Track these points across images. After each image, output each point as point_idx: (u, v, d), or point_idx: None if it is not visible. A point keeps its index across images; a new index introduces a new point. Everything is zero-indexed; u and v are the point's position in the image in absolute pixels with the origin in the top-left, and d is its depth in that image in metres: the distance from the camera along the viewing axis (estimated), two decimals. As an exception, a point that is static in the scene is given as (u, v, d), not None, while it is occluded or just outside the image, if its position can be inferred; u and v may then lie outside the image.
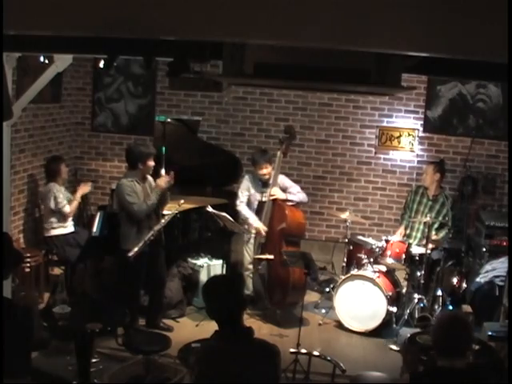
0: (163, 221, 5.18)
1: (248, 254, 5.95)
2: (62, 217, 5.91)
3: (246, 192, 5.89)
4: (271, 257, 5.58)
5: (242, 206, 5.87)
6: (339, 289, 5.64)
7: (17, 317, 3.14)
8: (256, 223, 5.74)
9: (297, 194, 5.81)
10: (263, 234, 5.68)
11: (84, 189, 6.22)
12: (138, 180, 5.18)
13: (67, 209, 5.92)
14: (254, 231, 5.79)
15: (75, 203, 6.05)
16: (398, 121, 7.27)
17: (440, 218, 5.99)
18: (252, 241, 5.87)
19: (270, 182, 5.74)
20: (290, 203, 5.73)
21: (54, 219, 5.90)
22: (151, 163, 5.20)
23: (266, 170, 5.74)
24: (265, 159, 5.74)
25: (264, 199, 5.77)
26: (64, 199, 5.94)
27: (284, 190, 5.78)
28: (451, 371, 2.68)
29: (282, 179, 5.85)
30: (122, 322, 5.18)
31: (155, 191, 5.16)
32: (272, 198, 5.66)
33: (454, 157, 7.13)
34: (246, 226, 5.85)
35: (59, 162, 6.18)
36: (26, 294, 5.49)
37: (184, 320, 5.70)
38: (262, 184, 5.83)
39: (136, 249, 4.98)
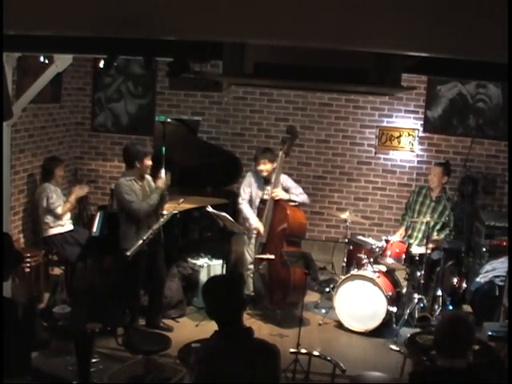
0: (162, 220, 5.19)
1: (249, 253, 5.96)
2: (56, 216, 5.92)
3: (247, 189, 5.90)
4: (272, 257, 5.58)
5: (243, 205, 5.88)
6: (339, 289, 5.64)
7: (18, 317, 3.15)
8: (256, 223, 5.75)
9: (299, 195, 5.82)
10: (261, 234, 5.69)
11: (79, 192, 6.20)
12: (135, 179, 5.18)
13: (59, 210, 5.91)
14: (255, 231, 5.80)
15: (68, 205, 6.04)
16: (397, 121, 7.27)
17: (442, 219, 6.00)
18: (253, 241, 5.88)
19: (272, 180, 5.75)
20: (293, 203, 5.73)
21: (49, 219, 5.91)
22: (148, 162, 5.20)
23: (263, 167, 5.75)
24: (264, 156, 5.76)
25: (265, 197, 5.79)
26: (58, 200, 5.94)
27: (286, 190, 5.79)
28: (451, 371, 2.68)
29: (285, 179, 5.85)
30: (121, 322, 5.18)
31: (156, 192, 5.17)
32: (275, 198, 5.65)
33: (454, 157, 7.13)
34: (248, 225, 5.85)
35: (56, 163, 6.18)
36: (24, 293, 5.50)
37: (184, 320, 5.70)
38: (264, 181, 5.85)
39: (134, 248, 4.98)
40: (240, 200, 5.93)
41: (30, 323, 3.28)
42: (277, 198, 5.65)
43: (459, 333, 2.73)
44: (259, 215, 5.80)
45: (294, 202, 5.73)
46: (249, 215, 5.82)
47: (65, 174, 6.58)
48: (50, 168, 6.09)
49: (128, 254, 4.96)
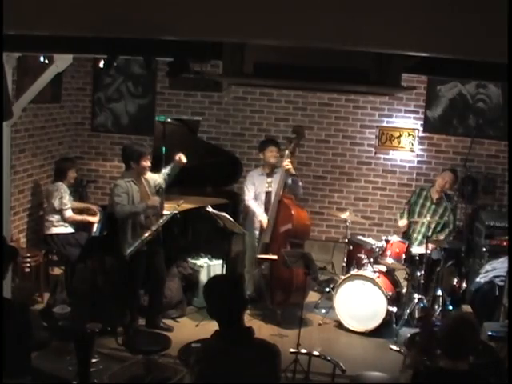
0: (161, 221, 5.18)
1: (251, 253, 5.97)
2: (62, 218, 5.92)
3: (251, 187, 5.94)
4: (275, 257, 5.58)
5: (250, 202, 5.93)
6: (339, 289, 5.64)
7: (15, 316, 3.15)
8: (261, 215, 5.79)
9: (300, 183, 5.96)
10: (264, 226, 5.73)
11: (92, 218, 6.20)
12: (134, 180, 5.17)
13: (69, 213, 5.94)
14: (258, 224, 5.83)
15: (79, 218, 6.10)
16: (398, 121, 7.26)
17: (442, 221, 6.00)
18: (256, 243, 5.89)
19: (275, 173, 5.87)
20: (297, 204, 5.81)
21: (55, 218, 5.92)
22: (145, 163, 5.18)
23: (271, 154, 5.85)
24: (272, 144, 5.91)
25: (269, 189, 5.86)
26: (69, 201, 5.96)
27: (290, 186, 5.85)
28: (454, 372, 2.67)
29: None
30: (122, 322, 5.18)
31: (146, 203, 5.14)
32: (285, 167, 5.68)
33: (454, 157, 7.12)
34: (257, 216, 5.87)
35: (70, 165, 6.24)
36: (23, 288, 5.50)
37: (184, 320, 5.70)
38: (267, 175, 5.92)
39: (131, 248, 4.98)
40: (246, 198, 5.97)
41: (26, 325, 3.28)
42: (287, 168, 5.68)
43: (464, 335, 2.72)
44: (266, 209, 5.86)
45: (296, 176, 5.85)
46: (255, 209, 5.87)
47: (77, 175, 6.57)
48: (64, 168, 6.12)
49: (126, 254, 4.96)
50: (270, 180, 5.90)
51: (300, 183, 5.96)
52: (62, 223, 5.94)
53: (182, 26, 2.78)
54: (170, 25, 2.78)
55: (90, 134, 7.70)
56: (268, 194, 5.90)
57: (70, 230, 6.01)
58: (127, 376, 4.35)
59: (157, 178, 5.44)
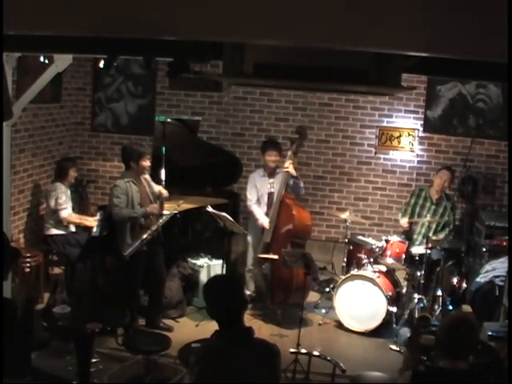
0: (161, 221, 5.18)
1: (252, 253, 5.97)
2: (57, 219, 5.92)
3: (253, 190, 5.94)
4: (276, 257, 5.58)
5: (253, 207, 5.93)
6: (339, 289, 5.64)
7: (17, 317, 3.15)
8: (263, 220, 5.79)
9: (301, 184, 5.95)
10: (266, 228, 5.74)
11: (90, 222, 6.20)
12: (134, 180, 5.17)
13: (65, 213, 5.93)
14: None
15: (77, 221, 6.10)
16: (398, 121, 7.26)
17: (442, 221, 6.00)
18: (259, 240, 5.90)
19: (277, 173, 5.87)
20: (299, 204, 5.82)
21: (54, 218, 5.91)
22: (145, 163, 5.18)
23: (271, 158, 5.85)
24: (274, 147, 5.90)
25: (272, 190, 5.88)
26: (66, 202, 5.97)
27: (291, 187, 5.87)
28: (454, 372, 2.67)
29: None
30: (122, 322, 5.18)
31: (146, 209, 5.14)
32: (285, 169, 5.71)
33: (454, 157, 7.13)
34: (259, 224, 5.88)
35: (71, 164, 6.26)
36: (25, 293, 5.49)
37: (184, 320, 5.71)
38: (268, 176, 5.92)
39: (131, 248, 4.98)
40: (248, 202, 5.97)
41: (28, 323, 3.28)
42: (286, 170, 5.69)
43: (464, 335, 2.72)
44: (269, 210, 5.86)
45: (297, 178, 5.86)
46: (259, 216, 5.85)
47: (77, 174, 6.57)
48: (63, 168, 6.13)
49: (125, 254, 4.97)
50: (271, 181, 5.91)
51: (301, 184, 5.96)
52: (61, 224, 5.95)
53: (182, 25, 2.78)
54: (170, 25, 2.77)
55: (90, 134, 7.70)
56: (270, 194, 5.90)
57: (69, 229, 6.01)
58: (127, 376, 4.35)
59: (152, 183, 5.43)
